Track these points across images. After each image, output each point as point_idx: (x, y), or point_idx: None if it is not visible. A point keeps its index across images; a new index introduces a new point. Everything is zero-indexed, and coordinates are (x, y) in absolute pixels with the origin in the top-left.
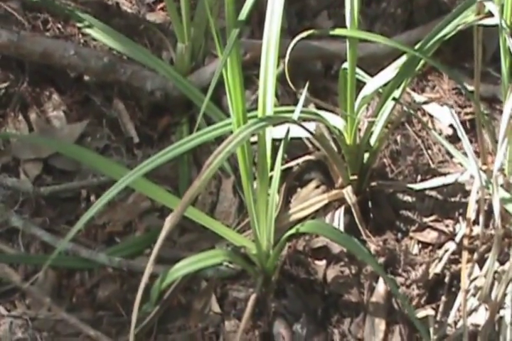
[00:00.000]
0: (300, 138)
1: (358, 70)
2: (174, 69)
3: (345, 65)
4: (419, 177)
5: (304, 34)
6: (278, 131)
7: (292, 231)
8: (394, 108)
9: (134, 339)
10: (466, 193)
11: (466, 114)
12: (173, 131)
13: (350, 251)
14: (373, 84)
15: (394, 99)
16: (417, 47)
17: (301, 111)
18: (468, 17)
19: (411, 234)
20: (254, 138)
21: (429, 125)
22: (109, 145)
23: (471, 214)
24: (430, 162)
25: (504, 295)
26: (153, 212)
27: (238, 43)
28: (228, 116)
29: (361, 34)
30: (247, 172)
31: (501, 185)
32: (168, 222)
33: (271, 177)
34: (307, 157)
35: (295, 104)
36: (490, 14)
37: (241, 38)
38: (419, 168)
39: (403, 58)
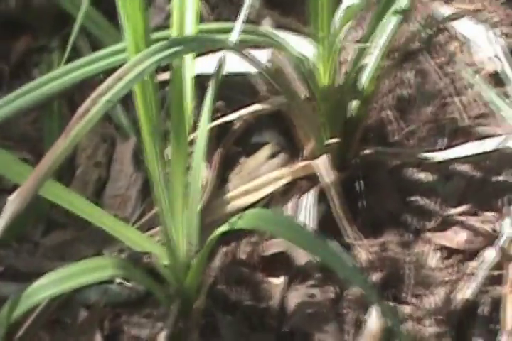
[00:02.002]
0: (245, 75)
1: None
2: None
3: None
4: (443, 142)
5: None
6: (207, 64)
7: (224, 228)
8: (399, 27)
9: None
10: None
11: None
12: (37, 62)
13: (324, 262)
14: None
15: (396, 11)
16: None
17: (245, 31)
18: None
19: (427, 234)
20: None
21: (461, 55)
22: None
23: None
24: (461, 116)
25: None
26: (2, 193)
27: None
28: None
29: None
30: (150, 131)
31: None
32: (12, 204)
33: (194, 141)
34: (256, 106)
35: None
36: None
37: None
38: (443, 126)
39: None
